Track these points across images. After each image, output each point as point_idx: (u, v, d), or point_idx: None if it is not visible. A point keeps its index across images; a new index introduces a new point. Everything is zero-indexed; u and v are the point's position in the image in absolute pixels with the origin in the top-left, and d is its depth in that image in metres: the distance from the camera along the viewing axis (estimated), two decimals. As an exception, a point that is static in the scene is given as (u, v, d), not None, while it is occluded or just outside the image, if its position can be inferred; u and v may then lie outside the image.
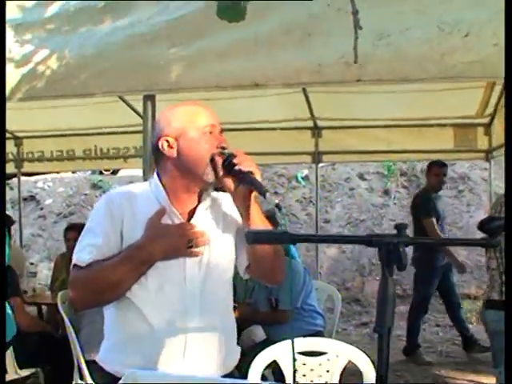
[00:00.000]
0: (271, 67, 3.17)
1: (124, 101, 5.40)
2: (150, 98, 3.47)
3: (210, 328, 2.30)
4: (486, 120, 6.70)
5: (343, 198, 11.66)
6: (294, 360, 1.90)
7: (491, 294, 4.13)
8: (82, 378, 4.35)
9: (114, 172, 13.16)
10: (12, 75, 3.49)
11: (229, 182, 2.22)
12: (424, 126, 6.87)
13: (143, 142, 3.56)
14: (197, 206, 2.30)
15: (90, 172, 12.99)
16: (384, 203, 11.44)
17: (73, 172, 12.84)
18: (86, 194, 12.66)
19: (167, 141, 2.25)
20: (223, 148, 2.25)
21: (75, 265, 2.22)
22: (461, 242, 3.53)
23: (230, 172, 2.20)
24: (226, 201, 2.40)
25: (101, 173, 13.12)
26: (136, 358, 2.20)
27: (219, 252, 2.33)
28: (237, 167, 2.18)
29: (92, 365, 4.17)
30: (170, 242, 2.18)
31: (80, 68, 3.39)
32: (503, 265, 3.94)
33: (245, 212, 2.26)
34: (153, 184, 2.32)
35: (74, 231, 6.38)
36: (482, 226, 4.01)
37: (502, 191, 6.78)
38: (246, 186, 2.19)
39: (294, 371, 2.14)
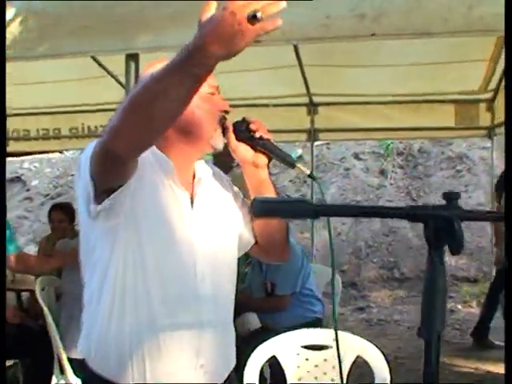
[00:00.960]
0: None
1: (109, 72, 5.12)
2: (132, 58, 3.11)
3: (223, 326, 1.98)
4: (488, 95, 6.43)
5: (338, 179, 11.44)
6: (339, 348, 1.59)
7: None
8: (62, 372, 4.06)
9: (103, 153, 12.93)
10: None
11: (244, 150, 1.94)
12: (424, 102, 6.60)
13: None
14: (193, 176, 1.96)
15: (77, 152, 12.74)
16: (380, 184, 11.22)
17: (60, 152, 12.64)
18: (73, 175, 12.39)
19: None
20: (226, 112, 1.94)
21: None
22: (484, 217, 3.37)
23: (245, 139, 1.93)
24: (217, 172, 2.09)
25: (88, 153, 12.89)
26: (139, 359, 1.82)
27: (225, 232, 2.01)
28: (257, 134, 1.92)
29: (75, 361, 3.88)
30: (227, 28, 1.39)
31: (54, 27, 3.04)
32: None
33: (257, 185, 1.98)
34: (148, 150, 1.80)
35: (58, 211, 6.09)
36: None
37: (500, 171, 6.57)
38: (266, 155, 1.95)
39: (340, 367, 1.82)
